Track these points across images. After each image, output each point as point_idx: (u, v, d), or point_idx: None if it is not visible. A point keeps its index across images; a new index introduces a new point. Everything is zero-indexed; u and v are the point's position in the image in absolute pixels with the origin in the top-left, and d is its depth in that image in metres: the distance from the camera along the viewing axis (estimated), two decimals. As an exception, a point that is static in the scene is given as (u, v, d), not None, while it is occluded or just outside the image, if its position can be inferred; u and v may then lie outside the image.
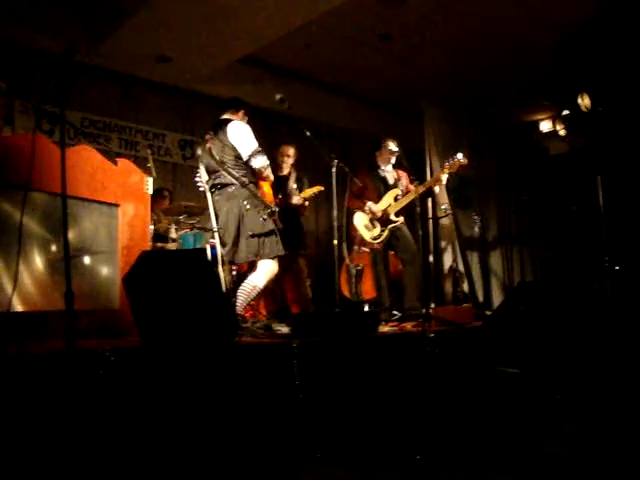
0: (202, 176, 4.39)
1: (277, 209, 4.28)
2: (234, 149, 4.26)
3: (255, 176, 4.36)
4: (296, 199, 5.55)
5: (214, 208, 4.29)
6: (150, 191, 4.22)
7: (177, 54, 6.47)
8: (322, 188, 5.52)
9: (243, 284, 4.27)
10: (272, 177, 4.46)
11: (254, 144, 4.28)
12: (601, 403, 3.68)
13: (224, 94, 7.35)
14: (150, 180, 4.25)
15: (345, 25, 6.14)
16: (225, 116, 4.46)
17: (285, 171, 5.76)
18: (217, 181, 4.30)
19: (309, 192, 5.60)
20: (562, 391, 3.88)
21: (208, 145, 4.31)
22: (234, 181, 4.20)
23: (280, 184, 5.54)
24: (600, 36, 6.20)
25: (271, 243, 4.22)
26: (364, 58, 6.93)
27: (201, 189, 5.41)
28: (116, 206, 3.91)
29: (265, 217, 4.16)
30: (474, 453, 2.66)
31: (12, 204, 3.25)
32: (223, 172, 4.23)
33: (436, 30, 6.29)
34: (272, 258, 4.27)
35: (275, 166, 5.54)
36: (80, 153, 3.79)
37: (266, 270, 4.27)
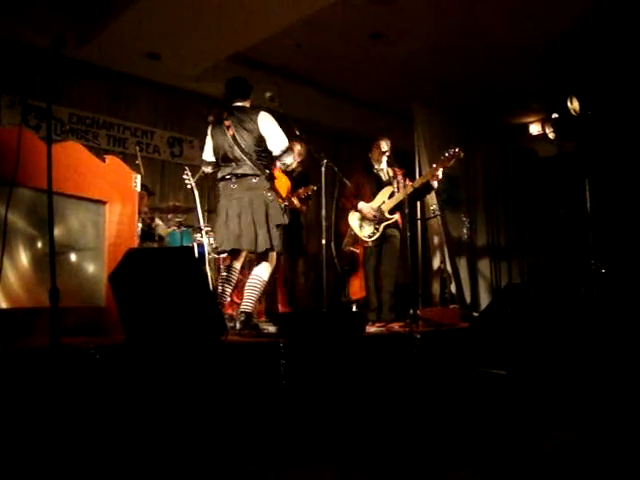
0: (190, 174, 4.37)
1: (286, 203, 4.33)
2: (263, 141, 4.20)
3: (273, 168, 4.36)
4: (294, 200, 5.51)
5: (228, 197, 4.22)
6: (138, 188, 4.19)
7: (166, 51, 6.45)
8: (315, 188, 5.49)
9: (251, 280, 4.23)
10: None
11: (286, 140, 4.25)
12: (588, 403, 3.69)
13: (214, 92, 7.35)
14: (138, 177, 4.23)
15: (336, 24, 6.14)
16: (238, 103, 4.34)
17: (290, 168, 5.70)
18: (238, 171, 4.19)
19: (301, 192, 5.56)
20: (548, 392, 3.90)
21: (231, 132, 4.19)
22: (257, 172, 4.17)
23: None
24: (590, 40, 6.23)
25: (280, 236, 4.24)
26: (355, 57, 6.93)
27: (189, 187, 5.41)
28: (103, 203, 3.88)
29: (283, 211, 4.24)
30: (463, 452, 2.66)
31: (-3, 200, 3.21)
32: (248, 162, 4.16)
33: (427, 31, 6.30)
34: (278, 251, 4.30)
35: None
36: (67, 149, 3.74)
37: (273, 264, 4.30)
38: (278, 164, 4.36)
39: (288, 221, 4.32)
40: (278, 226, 4.17)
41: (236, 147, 4.17)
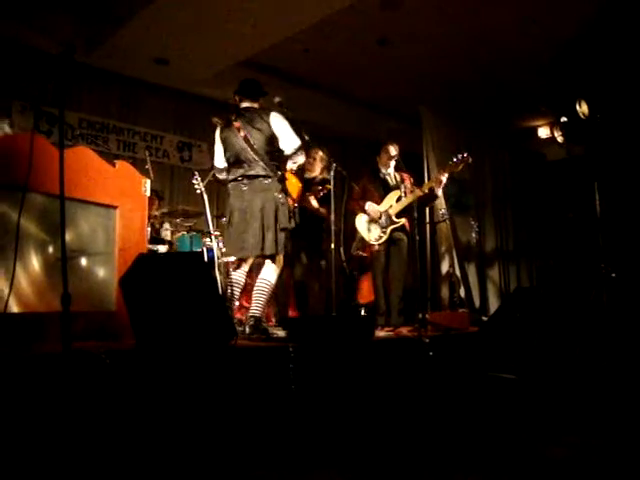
0: (199, 179, 4.36)
1: (296, 205, 4.31)
2: (275, 140, 4.19)
3: (284, 169, 4.31)
4: (313, 202, 5.48)
5: (238, 198, 4.19)
6: (148, 193, 4.21)
7: (175, 56, 6.50)
8: (330, 187, 5.44)
9: (259, 284, 4.20)
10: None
11: (298, 140, 4.21)
12: (599, 408, 3.68)
13: (223, 97, 7.40)
14: (148, 182, 4.24)
15: (343, 30, 6.16)
16: (246, 104, 4.32)
17: (313, 174, 5.67)
18: (250, 172, 4.16)
19: (317, 191, 5.51)
20: (558, 397, 3.88)
21: (243, 133, 4.19)
22: (270, 173, 4.14)
23: (306, 185, 5.46)
24: (598, 43, 6.22)
25: (287, 239, 4.21)
26: (362, 62, 6.95)
27: (198, 191, 5.41)
28: (114, 208, 3.89)
29: (292, 213, 4.20)
30: (472, 457, 2.66)
31: (9, 205, 3.23)
32: (260, 163, 4.13)
33: (433, 36, 6.31)
34: (284, 254, 4.27)
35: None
36: (78, 154, 3.77)
37: (280, 266, 4.27)
38: (289, 163, 4.28)
39: (295, 224, 4.26)
40: (283, 230, 4.13)
41: (248, 148, 4.15)
